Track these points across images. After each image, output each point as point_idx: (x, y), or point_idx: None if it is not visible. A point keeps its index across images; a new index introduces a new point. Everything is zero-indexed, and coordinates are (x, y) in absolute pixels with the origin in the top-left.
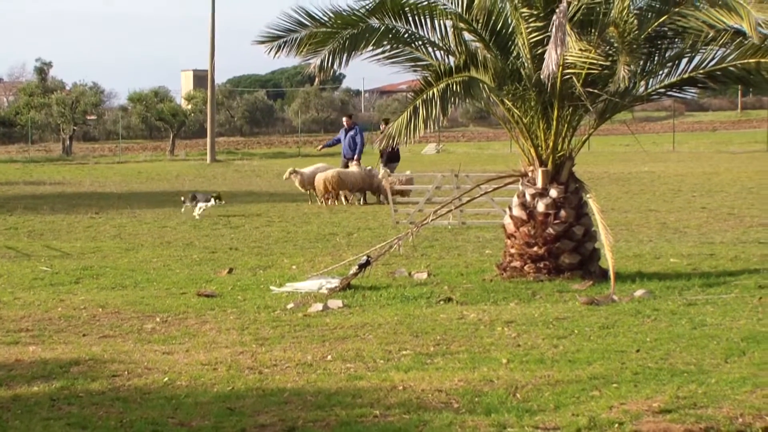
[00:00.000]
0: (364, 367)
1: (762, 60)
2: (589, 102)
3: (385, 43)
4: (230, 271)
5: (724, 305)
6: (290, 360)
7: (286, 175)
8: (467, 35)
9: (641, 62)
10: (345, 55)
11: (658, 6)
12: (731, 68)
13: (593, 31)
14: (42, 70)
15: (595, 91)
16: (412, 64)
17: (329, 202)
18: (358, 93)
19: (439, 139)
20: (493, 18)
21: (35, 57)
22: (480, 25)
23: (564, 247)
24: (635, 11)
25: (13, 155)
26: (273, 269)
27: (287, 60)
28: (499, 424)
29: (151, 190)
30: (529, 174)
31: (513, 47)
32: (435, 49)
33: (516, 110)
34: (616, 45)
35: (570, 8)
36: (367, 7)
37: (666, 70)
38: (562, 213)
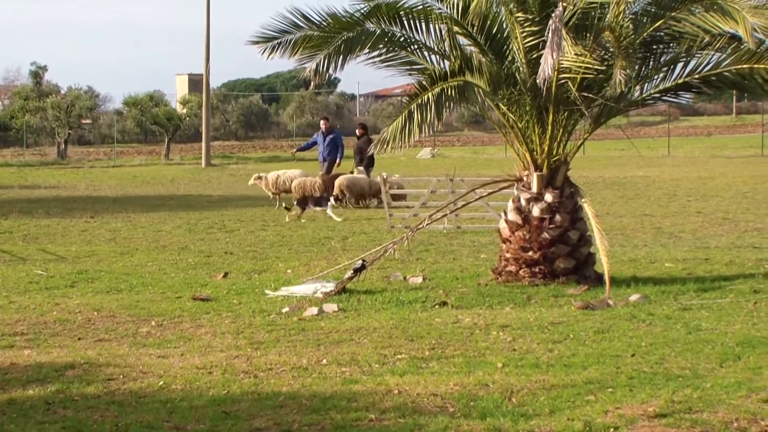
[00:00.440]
0: (359, 371)
1: (757, 65)
2: (585, 106)
3: (380, 46)
4: (225, 275)
5: (719, 310)
6: (285, 364)
7: (252, 181)
8: (462, 39)
9: (636, 67)
10: (340, 58)
11: (653, 11)
12: (726, 73)
13: (588, 35)
14: (37, 74)
15: (591, 95)
16: (408, 68)
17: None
18: (353, 97)
19: (434, 144)
20: (488, 22)
21: (30, 61)
22: (475, 29)
23: (559, 252)
24: (630, 16)
25: (8, 159)
26: (268, 273)
27: (282, 64)
28: (494, 429)
29: (146, 194)
30: (525, 178)
31: (508, 52)
32: (430, 53)
33: (511, 115)
34: (611, 50)
35: (565, 13)
36: (363, 10)
37: (661, 75)
38: (558, 218)
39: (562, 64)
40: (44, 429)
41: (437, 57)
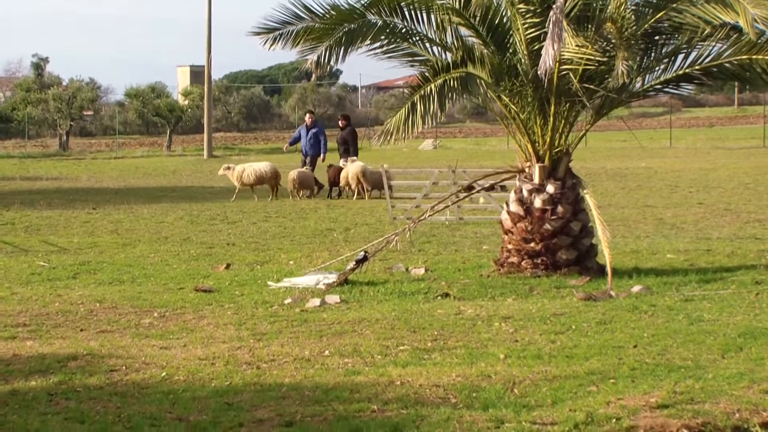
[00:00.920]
0: (361, 362)
1: (757, 56)
2: (586, 98)
3: (382, 38)
4: (228, 266)
5: (721, 301)
6: (288, 355)
7: (221, 172)
8: (464, 31)
9: (638, 58)
10: (342, 50)
11: (654, 2)
12: (727, 64)
13: (590, 27)
14: (39, 66)
15: (592, 86)
16: (410, 59)
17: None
18: (355, 89)
19: (436, 135)
20: (490, 14)
21: (32, 52)
22: (477, 20)
23: (561, 243)
24: (632, 7)
25: (9, 151)
26: (270, 264)
27: (284, 55)
28: (496, 420)
29: (148, 186)
30: (526, 170)
31: (510, 43)
32: (432, 44)
33: (513, 106)
34: (613, 41)
35: (567, 4)
36: (365, 1)
37: (662, 66)
38: (559, 209)
39: (563, 55)
40: (47, 420)
41: (439, 48)
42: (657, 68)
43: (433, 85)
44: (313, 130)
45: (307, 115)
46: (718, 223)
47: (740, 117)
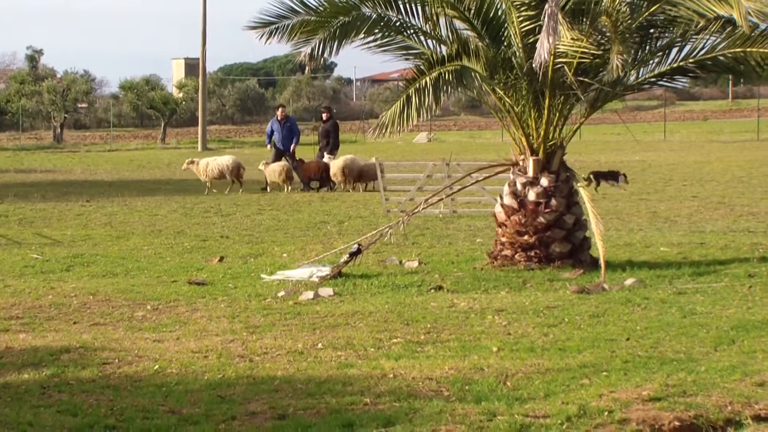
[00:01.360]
0: (354, 355)
1: (750, 49)
2: (581, 91)
3: (376, 31)
4: (221, 259)
5: (714, 294)
6: (281, 348)
7: (184, 166)
8: (459, 24)
9: (633, 51)
10: (336, 43)
11: None
12: (721, 57)
13: (585, 20)
14: (33, 58)
15: (587, 80)
16: (404, 52)
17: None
18: (349, 82)
19: (431, 128)
20: (485, 7)
21: (26, 45)
22: (471, 13)
23: (555, 236)
24: (627, 0)
25: (3, 143)
26: (264, 257)
27: (279, 48)
28: (489, 412)
29: (142, 178)
30: (521, 163)
31: (505, 36)
32: (427, 37)
33: (507, 99)
34: (608, 34)
35: None
36: None
37: (657, 60)
38: (553, 202)
39: (558, 48)
40: (39, 413)
41: (434, 42)
42: (651, 61)
43: (428, 78)
44: (288, 124)
45: (279, 109)
46: (712, 216)
47: (734, 110)
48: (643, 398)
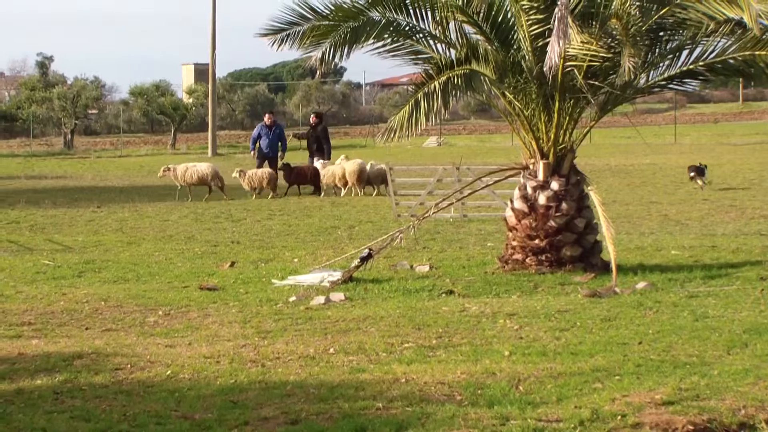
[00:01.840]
0: (366, 359)
1: (760, 52)
2: (591, 94)
3: (386, 36)
4: (232, 264)
5: (726, 297)
6: (293, 353)
7: (160, 173)
8: (468, 28)
9: (642, 54)
10: (346, 47)
11: None
12: (731, 60)
13: (594, 23)
14: (43, 65)
15: (597, 83)
16: (413, 57)
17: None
18: (359, 86)
19: (441, 132)
20: (494, 11)
21: (36, 51)
22: (480, 17)
23: (565, 240)
24: (637, 3)
25: (14, 149)
26: (275, 262)
27: (288, 53)
28: (501, 417)
29: (152, 184)
30: (531, 167)
31: (514, 40)
32: (436, 42)
33: (517, 103)
34: (618, 37)
35: (571, 0)
36: None
37: (667, 63)
38: (564, 205)
39: (568, 52)
40: (52, 418)
41: (443, 46)
42: (661, 64)
43: (437, 83)
44: (276, 130)
45: (267, 115)
46: (723, 219)
47: (745, 113)
48: (656, 402)
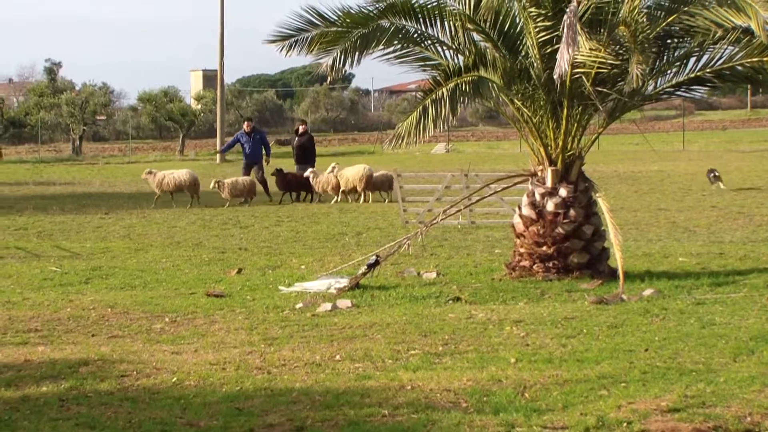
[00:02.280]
0: (372, 366)
1: None
2: (599, 101)
3: (395, 42)
4: (239, 271)
5: (733, 304)
6: (299, 360)
7: (143, 176)
8: (476, 35)
9: (651, 61)
10: (356, 54)
11: (667, 5)
12: (739, 67)
13: (603, 30)
14: (51, 71)
15: (605, 90)
16: (422, 63)
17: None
18: (367, 92)
19: (449, 139)
20: (501, 18)
21: (45, 57)
22: (488, 24)
23: (573, 247)
24: (644, 10)
25: (23, 155)
26: (282, 269)
27: (297, 60)
28: (507, 424)
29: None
30: (539, 173)
31: (521, 47)
32: (444, 48)
33: (525, 110)
34: (626, 44)
35: (580, 8)
36: (378, 6)
37: (674, 69)
38: (572, 212)
39: (576, 59)
40: (58, 426)
41: (451, 52)
42: (669, 71)
43: (444, 89)
44: (257, 136)
45: (246, 123)
46: (731, 226)
47: (753, 120)
48: (662, 409)
